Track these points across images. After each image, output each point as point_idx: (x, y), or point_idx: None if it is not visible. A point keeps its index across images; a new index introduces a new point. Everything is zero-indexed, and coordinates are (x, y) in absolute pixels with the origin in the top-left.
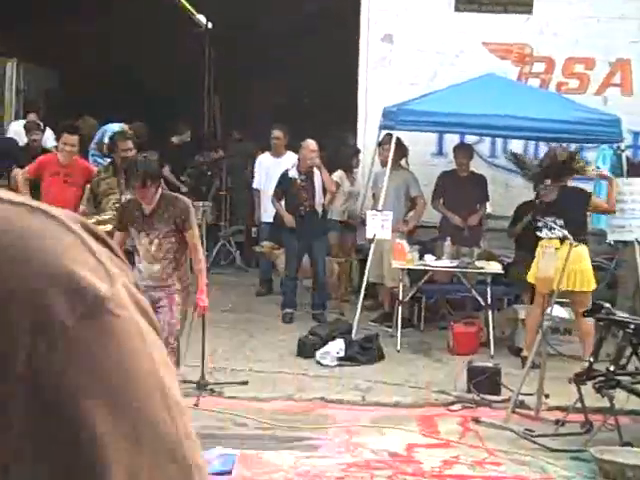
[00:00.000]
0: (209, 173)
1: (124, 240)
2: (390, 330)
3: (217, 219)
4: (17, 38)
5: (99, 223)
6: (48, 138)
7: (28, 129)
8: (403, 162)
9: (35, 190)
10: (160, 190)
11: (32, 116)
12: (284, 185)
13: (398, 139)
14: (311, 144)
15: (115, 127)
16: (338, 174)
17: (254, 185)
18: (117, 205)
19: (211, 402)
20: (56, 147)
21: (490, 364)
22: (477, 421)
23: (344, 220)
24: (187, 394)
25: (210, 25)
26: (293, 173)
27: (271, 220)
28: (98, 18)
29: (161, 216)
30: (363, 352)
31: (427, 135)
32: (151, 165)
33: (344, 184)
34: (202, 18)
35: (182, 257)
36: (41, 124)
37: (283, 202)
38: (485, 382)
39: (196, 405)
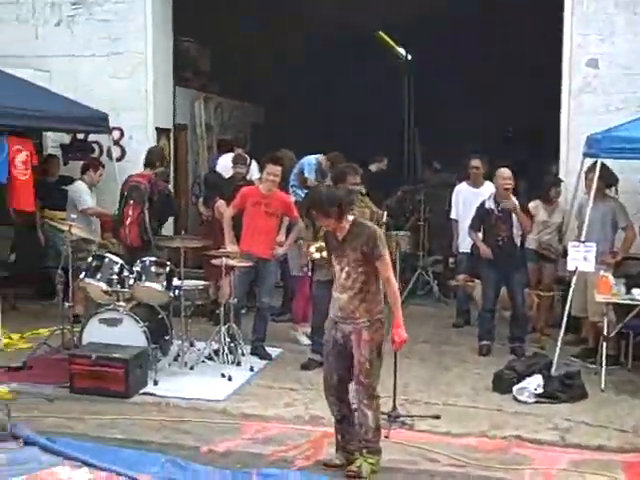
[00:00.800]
0: (409, 205)
1: None
2: (593, 367)
3: (415, 249)
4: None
5: (321, 249)
6: (254, 170)
7: (235, 162)
8: (611, 191)
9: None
10: (349, 217)
11: (239, 150)
12: (481, 216)
13: (605, 167)
14: (504, 172)
15: (312, 159)
16: (534, 204)
17: (452, 215)
18: None
19: (402, 435)
20: (259, 179)
21: None
22: None
23: (539, 250)
24: None
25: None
26: (490, 204)
27: (469, 250)
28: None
29: (350, 243)
30: (563, 389)
31: (635, 162)
32: (317, 196)
33: (538, 214)
34: (401, 50)
35: (371, 289)
36: (247, 158)
37: (480, 233)
38: None
39: (386, 437)
